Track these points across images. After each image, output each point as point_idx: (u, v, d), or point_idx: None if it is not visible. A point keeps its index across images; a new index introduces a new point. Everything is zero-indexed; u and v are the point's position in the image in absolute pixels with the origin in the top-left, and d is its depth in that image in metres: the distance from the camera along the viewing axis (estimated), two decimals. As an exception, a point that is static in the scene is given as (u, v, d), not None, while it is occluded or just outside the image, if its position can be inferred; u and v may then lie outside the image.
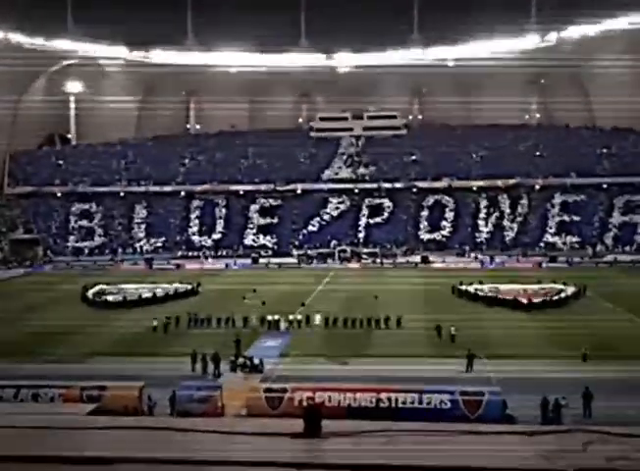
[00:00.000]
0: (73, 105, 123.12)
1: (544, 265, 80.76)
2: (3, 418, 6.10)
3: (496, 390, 27.39)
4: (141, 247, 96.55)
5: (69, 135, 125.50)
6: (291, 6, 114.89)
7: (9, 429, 5.70)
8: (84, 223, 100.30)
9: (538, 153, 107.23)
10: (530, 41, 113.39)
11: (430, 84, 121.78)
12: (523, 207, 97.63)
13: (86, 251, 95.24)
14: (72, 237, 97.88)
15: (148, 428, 5.60)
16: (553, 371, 33.16)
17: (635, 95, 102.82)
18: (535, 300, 52.59)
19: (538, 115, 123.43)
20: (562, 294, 55.64)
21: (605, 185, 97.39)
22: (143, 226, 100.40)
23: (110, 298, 58.01)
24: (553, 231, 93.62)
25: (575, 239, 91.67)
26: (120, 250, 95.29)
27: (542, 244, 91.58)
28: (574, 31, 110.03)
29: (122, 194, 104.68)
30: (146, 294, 58.72)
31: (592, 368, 33.45)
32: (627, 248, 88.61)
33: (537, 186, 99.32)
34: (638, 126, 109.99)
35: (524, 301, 52.02)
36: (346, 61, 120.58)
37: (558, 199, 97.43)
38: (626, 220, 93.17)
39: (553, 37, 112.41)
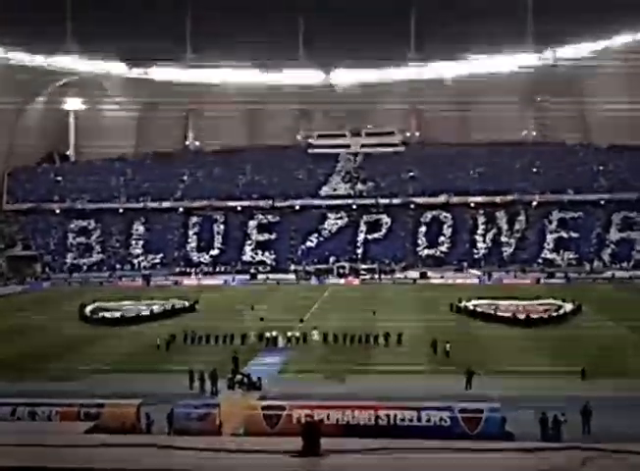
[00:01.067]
0: (72, 122, 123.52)
1: (542, 281, 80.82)
2: (0, 436, 6.07)
3: (495, 406, 27.26)
4: (139, 264, 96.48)
5: (68, 152, 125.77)
6: (289, 23, 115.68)
7: (6, 447, 5.67)
8: (82, 239, 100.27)
9: (535, 170, 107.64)
10: (527, 59, 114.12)
11: (428, 101, 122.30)
12: (521, 223, 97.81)
13: (84, 268, 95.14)
14: (70, 254, 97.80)
15: (146, 445, 5.58)
16: (552, 387, 33.06)
17: (631, 111, 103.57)
18: (533, 316, 52.51)
19: (535, 132, 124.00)
20: (561, 311, 55.58)
21: (602, 202, 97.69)
22: (141, 242, 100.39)
23: (108, 315, 57.80)
24: (550, 247, 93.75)
25: (573, 256, 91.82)
26: (118, 267, 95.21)
27: (540, 260, 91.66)
28: (571, 49, 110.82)
29: (120, 211, 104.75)
30: (144, 311, 58.57)
31: (591, 384, 33.33)
32: (625, 264, 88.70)
33: (534, 203, 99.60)
34: (635, 142, 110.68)
35: (523, 318, 51.94)
36: (344, 78, 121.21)
37: (555, 215, 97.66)
38: (624, 236, 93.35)
39: (549, 55, 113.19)
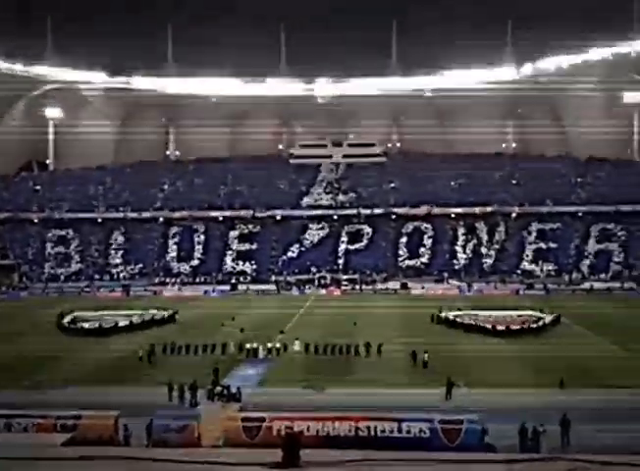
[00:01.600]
0: (51, 131, 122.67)
1: (521, 292, 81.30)
2: (-25, 449, 5.97)
3: (475, 418, 27.28)
4: (119, 274, 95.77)
5: (47, 161, 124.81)
6: (271, 34, 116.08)
7: (-19, 460, 5.57)
8: (61, 249, 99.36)
9: (515, 181, 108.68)
10: (507, 72, 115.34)
11: (409, 113, 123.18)
12: (500, 234, 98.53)
13: (63, 278, 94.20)
14: (48, 264, 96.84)
15: (124, 458, 5.52)
16: (531, 398, 33.23)
17: (609, 126, 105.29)
18: (513, 328, 52.80)
19: (514, 144, 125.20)
20: (541, 322, 55.95)
21: (580, 214, 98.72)
22: (121, 252, 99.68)
23: (86, 326, 57.22)
24: (530, 258, 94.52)
25: (552, 267, 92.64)
26: (97, 277, 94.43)
27: (519, 271, 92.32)
28: (550, 62, 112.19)
29: (99, 220, 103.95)
30: (123, 322, 58.00)
31: (570, 395, 33.54)
32: (603, 276, 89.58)
33: (514, 214, 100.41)
34: (612, 155, 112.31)
35: (502, 328, 52.17)
36: (325, 89, 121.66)
37: (534, 227, 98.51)
38: (602, 248, 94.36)
39: (529, 68, 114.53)
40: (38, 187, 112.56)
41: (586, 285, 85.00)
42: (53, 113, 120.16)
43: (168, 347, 45.98)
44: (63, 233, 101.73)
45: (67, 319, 59.59)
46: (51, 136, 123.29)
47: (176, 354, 45.43)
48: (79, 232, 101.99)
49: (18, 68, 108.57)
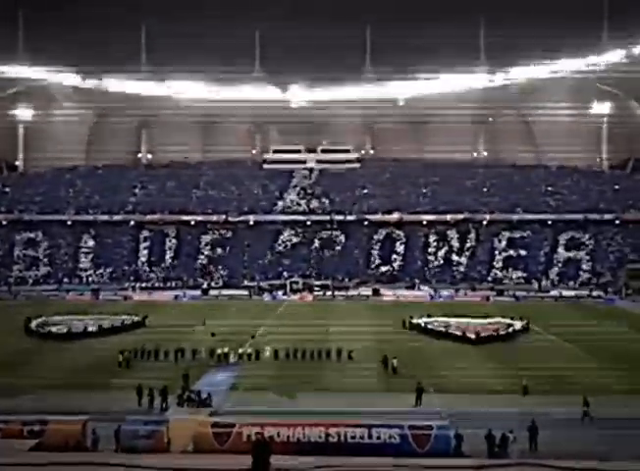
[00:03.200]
0: (21, 131, 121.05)
1: (491, 299, 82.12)
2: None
3: (444, 423, 27.50)
4: (88, 277, 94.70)
5: (17, 163, 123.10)
6: (246, 39, 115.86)
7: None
8: (30, 252, 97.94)
9: (485, 189, 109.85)
10: (479, 81, 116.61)
11: (382, 120, 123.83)
12: (471, 241, 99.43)
13: (31, 281, 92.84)
14: (16, 266, 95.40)
15: (94, 464, 5.47)
16: (499, 404, 33.55)
17: (578, 136, 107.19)
18: (483, 334, 53.27)
19: (486, 152, 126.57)
20: (510, 329, 56.55)
21: (550, 222, 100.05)
22: (90, 255, 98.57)
23: (54, 330, 56.45)
24: (500, 265, 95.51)
25: (521, 274, 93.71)
26: (66, 280, 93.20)
27: (489, 278, 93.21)
28: (521, 72, 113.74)
29: (69, 223, 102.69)
30: (92, 327, 57.31)
31: (538, 401, 33.94)
32: (572, 283, 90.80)
33: (484, 222, 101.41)
34: (583, 164, 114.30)
35: (472, 336, 52.60)
36: (299, 95, 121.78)
37: (505, 234, 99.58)
38: (570, 256, 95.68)
39: (500, 78, 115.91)
40: (7, 189, 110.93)
41: (555, 292, 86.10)
42: (23, 113, 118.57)
43: (138, 352, 45.58)
44: (32, 235, 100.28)
45: (35, 323, 58.74)
46: (21, 137, 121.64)
47: (145, 359, 45.04)
48: (48, 234, 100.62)
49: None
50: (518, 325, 57.87)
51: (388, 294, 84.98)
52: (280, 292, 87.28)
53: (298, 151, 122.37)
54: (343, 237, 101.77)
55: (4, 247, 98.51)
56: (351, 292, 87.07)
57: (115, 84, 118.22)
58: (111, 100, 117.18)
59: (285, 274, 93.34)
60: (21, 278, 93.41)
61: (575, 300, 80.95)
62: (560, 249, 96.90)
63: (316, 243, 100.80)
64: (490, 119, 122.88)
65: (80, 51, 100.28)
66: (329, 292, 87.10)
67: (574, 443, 26.91)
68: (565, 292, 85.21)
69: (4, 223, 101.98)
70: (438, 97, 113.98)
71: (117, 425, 26.90)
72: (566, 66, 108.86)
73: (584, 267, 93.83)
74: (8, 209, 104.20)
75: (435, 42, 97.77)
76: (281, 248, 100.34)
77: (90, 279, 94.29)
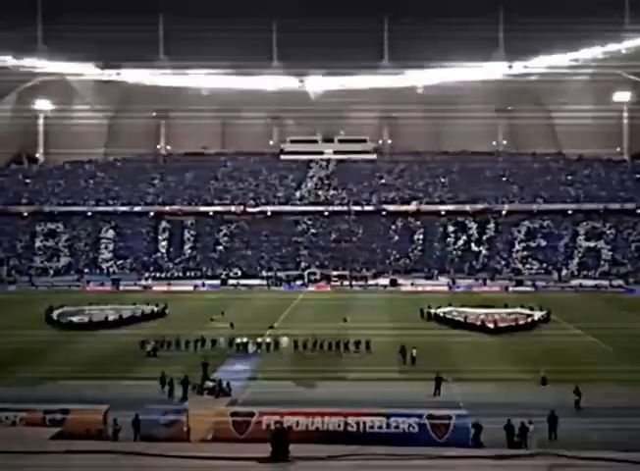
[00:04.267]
0: (41, 124, 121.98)
1: (510, 289, 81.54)
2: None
3: (463, 413, 27.44)
4: (108, 268, 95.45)
5: (37, 154, 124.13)
6: (263, 29, 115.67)
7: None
8: (50, 243, 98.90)
9: (505, 179, 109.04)
10: (498, 69, 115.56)
11: (400, 109, 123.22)
12: (491, 232, 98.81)
13: (52, 272, 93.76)
14: (37, 258, 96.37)
15: (113, 452, 5.51)
16: (520, 394, 33.40)
17: (599, 126, 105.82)
18: (502, 325, 53.00)
19: (505, 141, 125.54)
20: (530, 319, 56.20)
21: (570, 212, 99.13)
22: (111, 246, 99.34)
23: (75, 319, 57.04)
24: (519, 255, 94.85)
25: (541, 264, 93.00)
26: (86, 271, 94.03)
27: (508, 268, 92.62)
28: (541, 60, 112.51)
29: (89, 214, 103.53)
30: (112, 316, 57.84)
31: (557, 392, 33.73)
32: (592, 273, 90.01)
33: (504, 212, 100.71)
34: (603, 153, 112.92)
35: (492, 325, 52.36)
36: (317, 84, 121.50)
37: (524, 224, 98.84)
38: (591, 245, 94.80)
39: (520, 65, 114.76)
40: (28, 181, 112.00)
41: (575, 282, 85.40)
42: (43, 105, 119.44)
43: (158, 342, 45.90)
44: (52, 226, 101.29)
45: (56, 313, 59.35)
46: (41, 129, 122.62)
47: (165, 349, 45.36)
48: (68, 225, 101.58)
49: (8, 60, 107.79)
50: (538, 315, 57.50)
51: (406, 285, 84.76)
52: (298, 283, 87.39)
53: (316, 142, 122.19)
54: (360, 228, 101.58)
55: (25, 239, 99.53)
56: (369, 283, 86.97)
57: (133, 75, 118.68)
58: (130, 92, 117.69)
59: (302, 264, 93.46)
60: (42, 269, 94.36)
61: (596, 290, 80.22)
62: (581, 239, 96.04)
63: (334, 234, 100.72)
64: (509, 108, 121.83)
65: (98, 42, 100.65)
66: (347, 283, 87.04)
67: (594, 433, 26.76)
68: (586, 282, 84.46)
69: (25, 214, 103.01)
70: (456, 86, 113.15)
71: (136, 414, 27.15)
72: (587, 54, 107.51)
73: (604, 257, 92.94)
74: (29, 201, 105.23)
75: (454, 31, 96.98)
76: (298, 239, 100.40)
77: (111, 269, 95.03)
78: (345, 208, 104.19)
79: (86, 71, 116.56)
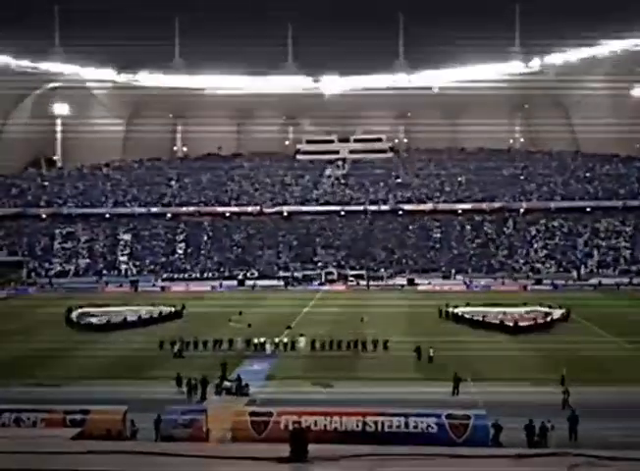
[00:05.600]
0: (59, 127, 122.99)
1: (529, 288, 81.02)
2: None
3: (482, 413, 27.28)
4: (126, 270, 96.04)
5: (55, 158, 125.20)
6: (278, 30, 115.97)
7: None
8: (69, 245, 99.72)
9: (522, 177, 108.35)
10: (514, 67, 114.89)
11: (416, 108, 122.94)
12: (508, 230, 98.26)
13: (71, 273, 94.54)
14: (56, 259, 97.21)
15: (133, 452, 5.54)
16: (539, 393, 33.16)
17: (617, 122, 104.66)
18: (521, 324, 52.66)
19: (522, 139, 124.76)
20: (549, 318, 55.78)
21: (588, 209, 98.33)
22: (129, 248, 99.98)
23: (94, 321, 57.47)
24: (537, 254, 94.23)
25: (560, 262, 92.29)
26: (104, 272, 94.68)
27: (527, 267, 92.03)
28: (558, 57, 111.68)
29: (107, 216, 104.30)
30: (131, 317, 58.21)
31: (577, 391, 33.43)
32: (611, 271, 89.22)
33: (522, 210, 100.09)
34: (621, 151, 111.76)
35: (510, 324, 52.05)
36: (332, 84, 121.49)
37: (542, 223, 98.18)
38: (610, 243, 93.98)
39: (536, 63, 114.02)
40: (46, 183, 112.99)
41: (594, 280, 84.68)
42: (61, 110, 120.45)
43: (176, 342, 46.09)
44: (71, 228, 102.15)
45: (75, 314, 59.82)
46: (59, 133, 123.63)
47: (184, 349, 45.54)
48: (87, 227, 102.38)
49: (25, 64, 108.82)
50: (557, 313, 57.06)
51: (423, 284, 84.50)
52: (315, 283, 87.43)
53: (332, 141, 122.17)
54: (377, 227, 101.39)
55: (44, 241, 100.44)
56: (386, 282, 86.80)
57: (150, 79, 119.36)
58: (146, 94, 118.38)
59: (319, 264, 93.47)
60: (61, 270, 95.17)
61: (615, 288, 79.50)
62: (599, 237, 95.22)
63: (350, 234, 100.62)
64: (526, 105, 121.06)
65: (114, 46, 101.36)
66: (363, 282, 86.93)
67: (615, 432, 26.51)
68: (605, 281, 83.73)
69: (44, 217, 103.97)
70: (473, 85, 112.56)
71: (157, 414, 27.29)
72: (605, 50, 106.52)
73: (624, 255, 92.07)
74: (48, 203, 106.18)
75: (470, 30, 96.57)
76: (315, 239, 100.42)
77: (129, 271, 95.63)
78: (361, 208, 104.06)
79: (103, 74, 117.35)
